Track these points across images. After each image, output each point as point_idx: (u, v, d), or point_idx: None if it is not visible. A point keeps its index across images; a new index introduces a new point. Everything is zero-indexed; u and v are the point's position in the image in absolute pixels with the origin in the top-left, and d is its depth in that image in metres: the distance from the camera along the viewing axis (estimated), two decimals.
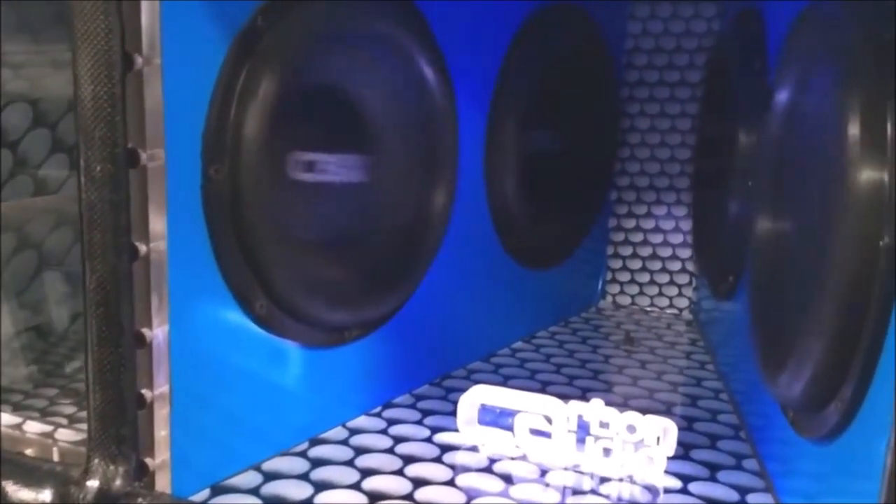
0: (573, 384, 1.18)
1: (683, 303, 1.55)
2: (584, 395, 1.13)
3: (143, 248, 0.74)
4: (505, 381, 1.19)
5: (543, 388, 1.16)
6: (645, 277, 1.58)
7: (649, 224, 1.56)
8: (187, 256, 0.78)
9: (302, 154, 0.91)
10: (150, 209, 0.74)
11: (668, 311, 1.56)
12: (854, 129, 0.58)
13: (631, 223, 1.57)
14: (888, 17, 0.60)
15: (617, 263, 1.59)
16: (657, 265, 1.56)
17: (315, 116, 0.91)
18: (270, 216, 0.83)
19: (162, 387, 0.77)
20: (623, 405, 1.10)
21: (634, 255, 1.58)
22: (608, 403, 1.05)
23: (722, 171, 1.18)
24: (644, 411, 1.05)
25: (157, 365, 0.76)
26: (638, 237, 1.57)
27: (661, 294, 1.57)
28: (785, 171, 0.81)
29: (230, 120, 0.79)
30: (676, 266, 1.55)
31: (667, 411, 1.08)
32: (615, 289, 1.60)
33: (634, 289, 1.59)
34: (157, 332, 0.76)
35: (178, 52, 0.74)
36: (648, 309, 1.58)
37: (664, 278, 1.56)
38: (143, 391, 0.76)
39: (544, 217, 1.35)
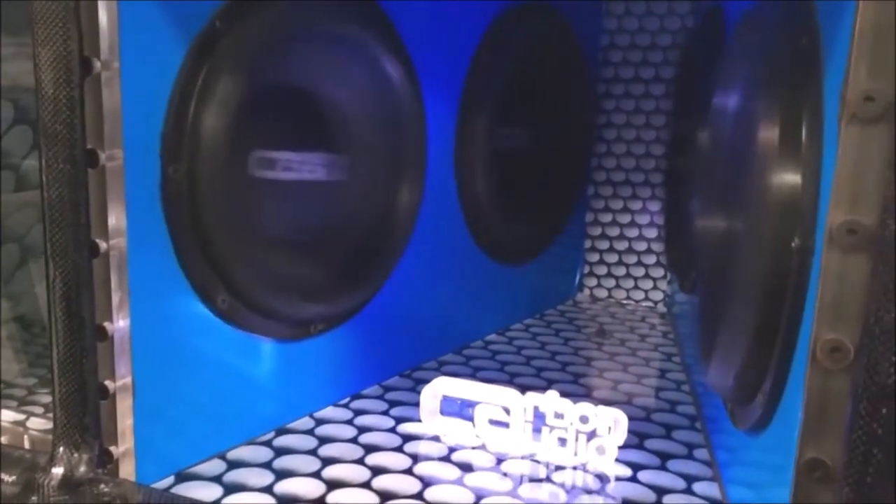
0: (540, 376, 1.21)
1: (658, 296, 1.58)
2: (549, 387, 1.15)
3: (103, 245, 0.77)
4: (475, 373, 1.22)
5: (511, 380, 1.19)
6: (621, 271, 1.60)
7: (625, 218, 1.58)
8: (147, 253, 0.81)
9: (262, 153, 0.94)
10: (110, 207, 0.77)
11: (644, 303, 1.59)
12: (770, 134, 0.61)
13: (607, 217, 1.59)
14: (807, 24, 0.62)
15: (594, 257, 1.62)
16: (633, 259, 1.59)
17: (275, 116, 0.94)
18: (230, 214, 0.86)
19: (125, 378, 0.80)
20: (586, 396, 1.13)
21: (611, 249, 1.60)
22: (572, 395, 1.08)
23: (687, 168, 1.21)
24: (606, 402, 1.09)
25: (118, 357, 0.79)
26: (614, 231, 1.59)
27: (636, 287, 1.59)
28: (718, 171, 0.83)
29: (188, 120, 0.81)
30: (651, 260, 1.58)
31: (627, 402, 1.11)
32: (592, 282, 1.63)
33: (611, 282, 1.61)
34: (119, 326, 0.79)
35: (137, 56, 0.76)
36: (624, 302, 1.60)
37: (640, 272, 1.59)
38: (106, 382, 0.79)
39: (517, 213, 1.37)
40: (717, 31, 1.13)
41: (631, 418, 1.03)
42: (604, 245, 1.60)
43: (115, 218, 0.77)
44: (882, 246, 0.50)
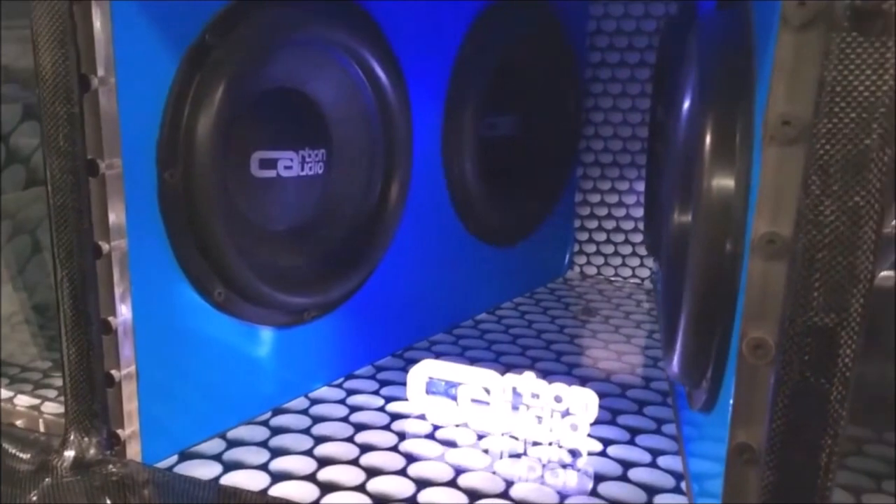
0: (525, 354, 1.28)
1: (645, 273, 1.64)
2: (533, 365, 1.22)
3: (105, 247, 0.83)
4: (463, 352, 1.29)
5: (497, 359, 1.26)
6: (609, 249, 1.66)
7: (613, 199, 1.64)
8: (147, 252, 0.87)
9: (253, 153, 1.00)
10: (111, 212, 0.83)
11: (631, 280, 1.65)
12: (709, 147, 0.66)
13: (596, 198, 1.65)
14: (745, 45, 0.67)
15: (584, 236, 1.67)
16: (620, 237, 1.64)
17: (265, 118, 1.00)
18: (223, 213, 0.92)
19: (129, 367, 0.87)
20: (567, 374, 1.20)
21: (599, 228, 1.66)
22: (554, 372, 1.16)
23: (659, 154, 1.26)
24: (586, 379, 1.16)
25: (123, 348, 0.86)
26: (602, 211, 1.65)
27: (624, 265, 1.65)
28: (672, 167, 0.88)
29: (182, 128, 0.87)
30: (638, 238, 1.63)
31: (605, 379, 1.17)
32: (582, 259, 1.69)
33: (600, 259, 1.67)
34: (122, 320, 0.86)
35: (132, 71, 0.82)
36: (613, 279, 1.66)
37: (627, 250, 1.65)
38: (112, 371, 0.86)
39: (505, 199, 1.43)
40: (689, 22, 1.17)
41: (606, 395, 1.11)
42: (592, 224, 1.66)
43: (116, 221, 0.84)
44: (795, 256, 0.56)
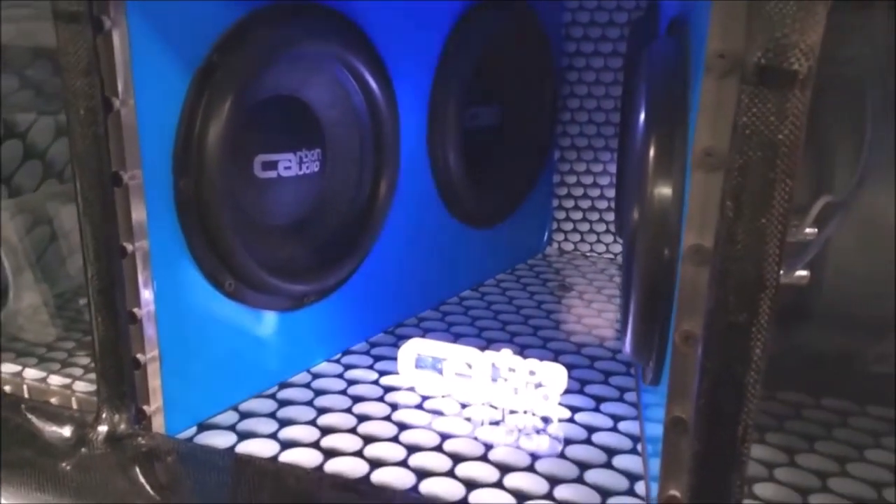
0: (505, 329, 1.40)
1: (618, 248, 1.76)
2: (512, 340, 1.35)
3: (129, 248, 0.94)
4: (449, 328, 1.41)
5: (479, 334, 1.38)
6: (585, 227, 1.78)
7: (588, 180, 1.75)
8: (166, 251, 0.98)
9: (258, 157, 1.11)
10: (134, 217, 0.93)
11: (605, 255, 1.78)
12: (652, 165, 0.77)
13: (572, 179, 1.76)
14: (684, 79, 0.78)
15: (561, 214, 1.79)
16: (595, 216, 1.76)
17: (268, 126, 1.10)
18: (232, 214, 1.02)
19: (152, 351, 0.99)
20: (542, 347, 1.32)
21: (576, 207, 1.78)
22: (531, 346, 1.28)
23: (626, 147, 1.36)
24: (558, 352, 1.28)
25: (146, 335, 0.97)
26: (579, 191, 1.77)
27: (598, 241, 1.78)
28: (629, 166, 0.99)
29: (194, 141, 0.97)
30: (612, 216, 1.75)
31: (576, 352, 1.30)
32: (560, 237, 1.81)
33: (576, 237, 1.79)
34: (146, 311, 0.97)
35: (148, 92, 0.92)
36: (588, 254, 1.79)
37: (601, 227, 1.77)
38: (138, 356, 0.98)
39: (486, 184, 1.54)
40: (654, 22, 1.27)
41: (576, 367, 1.23)
42: (569, 203, 1.78)
43: (139, 225, 0.94)
44: (715, 265, 0.67)
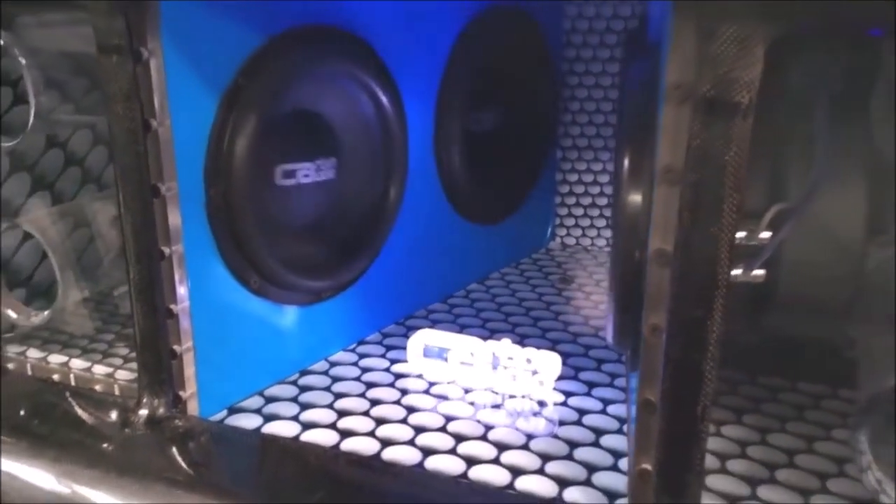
0: (508, 320, 1.51)
1: None
2: (513, 330, 1.46)
3: (167, 251, 1.06)
4: (455, 319, 1.52)
5: (484, 324, 1.49)
6: (586, 222, 1.88)
7: (589, 178, 1.85)
8: (199, 253, 1.10)
9: (280, 166, 1.22)
10: (171, 224, 1.05)
11: (606, 249, 1.88)
12: (626, 178, 0.88)
13: (574, 177, 1.87)
14: (654, 101, 0.88)
15: (564, 211, 1.90)
16: (596, 212, 1.87)
17: (289, 139, 1.21)
18: (256, 219, 1.14)
19: (187, 343, 1.10)
20: (541, 337, 1.43)
21: (577, 204, 1.88)
22: (531, 336, 1.38)
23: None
24: (556, 341, 1.39)
25: (183, 328, 1.09)
26: (580, 189, 1.87)
27: (599, 236, 1.88)
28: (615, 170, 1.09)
29: (223, 155, 1.08)
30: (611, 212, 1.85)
31: (573, 341, 1.41)
32: (563, 232, 1.91)
33: (578, 231, 1.90)
34: (181, 307, 1.08)
35: (182, 113, 1.03)
36: (590, 248, 1.89)
37: (602, 223, 1.87)
38: (175, 347, 1.09)
39: (490, 184, 1.65)
40: (645, 35, 1.36)
41: (572, 355, 1.34)
42: (571, 200, 1.88)
43: (174, 230, 1.05)
44: (675, 267, 0.78)
